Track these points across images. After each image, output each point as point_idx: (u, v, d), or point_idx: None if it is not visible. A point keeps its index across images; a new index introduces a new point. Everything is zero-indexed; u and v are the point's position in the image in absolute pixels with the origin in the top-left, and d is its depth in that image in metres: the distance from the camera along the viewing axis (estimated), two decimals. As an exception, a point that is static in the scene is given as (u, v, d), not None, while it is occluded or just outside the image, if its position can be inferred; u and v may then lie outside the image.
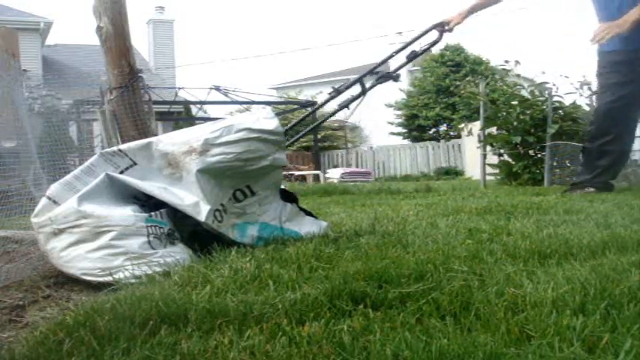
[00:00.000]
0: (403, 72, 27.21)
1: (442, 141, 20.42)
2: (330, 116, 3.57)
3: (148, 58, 22.51)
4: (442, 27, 3.77)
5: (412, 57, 3.53)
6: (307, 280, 1.41)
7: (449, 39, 23.77)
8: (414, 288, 1.30)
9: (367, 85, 3.20)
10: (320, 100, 21.62)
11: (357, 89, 3.18)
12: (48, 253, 1.82)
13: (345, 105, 3.25)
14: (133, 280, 1.63)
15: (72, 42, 22.08)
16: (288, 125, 2.76)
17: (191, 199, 1.90)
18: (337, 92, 3.19)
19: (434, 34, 3.77)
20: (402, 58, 3.50)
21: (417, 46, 3.54)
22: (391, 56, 3.57)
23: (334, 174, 16.86)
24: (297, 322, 1.15)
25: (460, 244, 1.86)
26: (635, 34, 3.96)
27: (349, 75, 29.47)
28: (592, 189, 4.16)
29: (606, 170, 4.25)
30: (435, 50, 24.11)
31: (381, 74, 3.35)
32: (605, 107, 4.23)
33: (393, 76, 3.34)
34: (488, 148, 6.92)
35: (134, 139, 2.52)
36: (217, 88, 17.43)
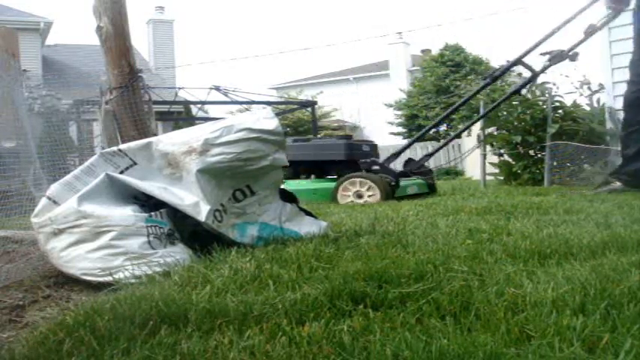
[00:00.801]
0: (403, 72, 27.17)
1: (442, 141, 20.40)
2: (505, 99, 3.45)
3: (148, 58, 22.50)
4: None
5: (591, 32, 3.30)
6: (307, 280, 1.41)
7: (449, 39, 23.77)
8: (414, 288, 1.30)
9: (537, 68, 3.02)
10: (320, 99, 21.60)
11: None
12: (48, 253, 1.82)
13: (516, 90, 3.11)
14: (133, 280, 1.63)
15: (72, 42, 22.08)
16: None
17: (191, 199, 1.90)
18: (493, 79, 3.07)
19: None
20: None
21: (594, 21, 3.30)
22: (553, 33, 3.34)
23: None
24: (297, 322, 1.15)
25: (460, 244, 1.86)
26: None
27: (349, 75, 29.53)
28: (618, 184, 4.02)
29: (631, 160, 4.05)
30: (435, 50, 24.12)
31: (554, 54, 3.15)
32: (631, 96, 4.09)
33: (570, 55, 3.13)
34: (489, 148, 6.92)
35: (134, 139, 2.52)
36: (217, 88, 17.40)
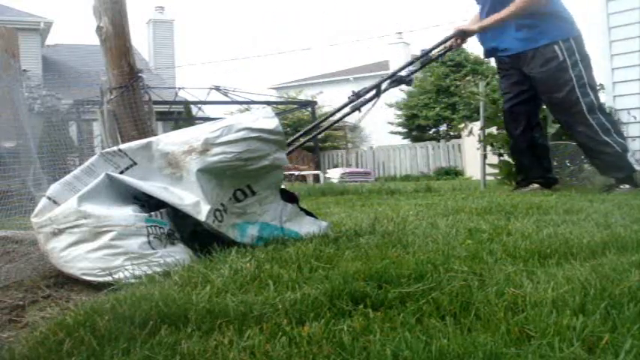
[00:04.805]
0: (403, 72, 27.28)
1: (442, 141, 20.43)
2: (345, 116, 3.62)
3: (148, 58, 22.51)
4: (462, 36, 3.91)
5: (424, 61, 3.59)
6: (307, 280, 1.41)
7: (449, 39, 23.73)
8: (414, 288, 1.30)
9: (383, 87, 3.25)
10: (320, 99, 21.59)
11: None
12: (48, 253, 1.82)
13: (356, 108, 3.30)
14: (133, 280, 1.63)
15: (72, 42, 22.09)
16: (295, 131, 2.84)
17: (191, 198, 1.90)
18: (357, 95, 3.24)
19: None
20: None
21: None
22: (413, 62, 3.64)
23: (334, 174, 16.85)
24: (297, 322, 1.15)
25: (460, 244, 1.86)
26: None
27: (349, 75, 29.54)
28: (536, 185, 4.33)
29: (531, 169, 4.41)
30: (435, 50, 24.11)
31: (395, 78, 3.41)
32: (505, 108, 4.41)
33: (407, 81, 3.39)
34: (489, 148, 6.91)
35: (134, 139, 2.52)
36: (217, 88, 17.45)
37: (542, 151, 4.44)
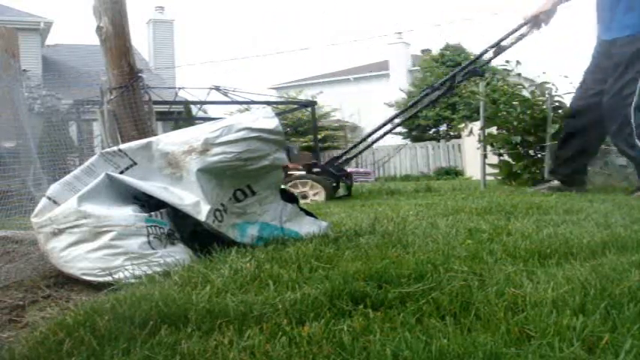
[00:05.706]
0: (403, 72, 27.17)
1: (442, 141, 20.42)
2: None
3: (148, 58, 22.50)
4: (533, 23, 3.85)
5: (498, 51, 3.58)
6: (307, 280, 1.41)
7: (450, 39, 23.77)
8: (414, 288, 1.30)
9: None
10: (320, 99, 21.54)
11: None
12: (48, 253, 1.82)
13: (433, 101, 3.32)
14: (133, 280, 1.63)
15: (72, 42, 22.08)
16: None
17: (191, 198, 1.90)
18: (432, 89, 3.29)
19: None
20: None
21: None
22: (485, 52, 3.64)
23: (334, 174, 16.83)
24: (297, 322, 1.15)
25: (460, 244, 1.86)
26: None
27: (349, 75, 29.52)
28: (556, 182, 4.37)
29: (566, 162, 4.41)
30: (435, 50, 24.12)
31: (469, 69, 3.46)
32: (579, 103, 4.40)
33: (479, 72, 3.43)
34: (489, 148, 6.91)
35: (134, 139, 2.52)
36: (217, 88, 17.44)
37: (586, 155, 4.41)
